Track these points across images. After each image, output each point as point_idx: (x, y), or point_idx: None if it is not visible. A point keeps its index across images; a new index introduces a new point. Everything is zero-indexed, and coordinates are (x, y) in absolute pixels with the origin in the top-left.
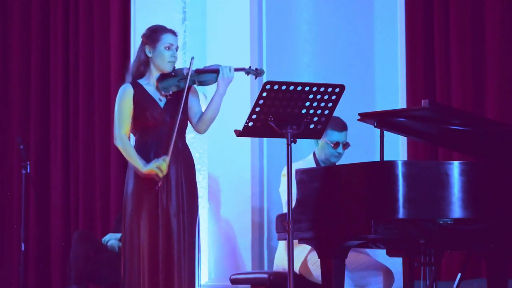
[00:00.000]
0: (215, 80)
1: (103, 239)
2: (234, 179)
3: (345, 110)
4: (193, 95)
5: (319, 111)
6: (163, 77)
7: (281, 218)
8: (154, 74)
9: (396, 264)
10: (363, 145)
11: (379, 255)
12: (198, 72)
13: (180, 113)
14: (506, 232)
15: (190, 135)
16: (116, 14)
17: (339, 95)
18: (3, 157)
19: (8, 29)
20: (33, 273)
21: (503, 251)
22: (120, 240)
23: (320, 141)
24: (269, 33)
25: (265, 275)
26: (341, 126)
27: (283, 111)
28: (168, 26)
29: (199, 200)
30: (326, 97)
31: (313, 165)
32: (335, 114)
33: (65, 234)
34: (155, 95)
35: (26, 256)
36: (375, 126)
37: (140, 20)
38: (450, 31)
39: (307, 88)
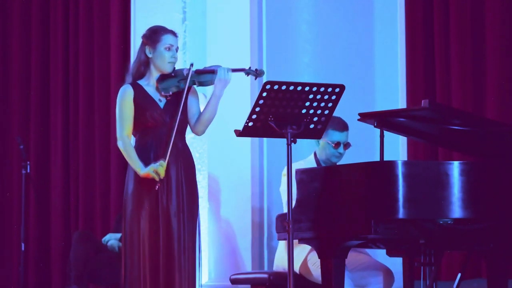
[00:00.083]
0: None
1: (103, 239)
2: (234, 179)
3: (345, 110)
4: (193, 96)
5: (319, 111)
6: (163, 77)
7: (281, 218)
8: (154, 74)
9: (396, 264)
10: (363, 145)
11: (379, 255)
12: (198, 72)
13: (179, 113)
14: (506, 232)
15: (190, 135)
16: (116, 14)
17: (339, 95)
18: (3, 157)
19: (8, 29)
20: (33, 273)
21: (503, 251)
22: (120, 240)
23: (321, 141)
24: (269, 33)
25: (265, 275)
26: (342, 126)
27: (283, 111)
28: (168, 26)
29: (199, 200)
30: (326, 97)
31: (314, 165)
32: (336, 114)
33: (65, 234)
34: (155, 95)
35: (26, 256)
36: (375, 126)
37: (140, 20)
38: (450, 31)
39: (307, 88)
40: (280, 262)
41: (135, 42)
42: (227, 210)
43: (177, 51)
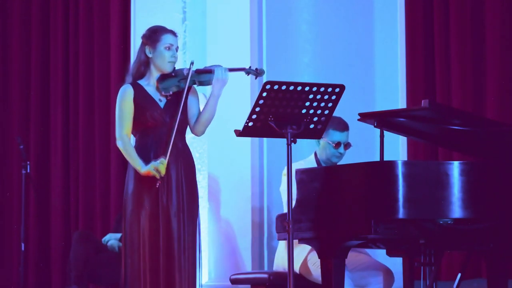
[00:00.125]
0: None
1: (103, 239)
2: (234, 179)
3: (345, 110)
4: (193, 96)
5: (319, 111)
6: (163, 77)
7: (281, 218)
8: (154, 74)
9: (396, 264)
10: (363, 145)
11: (379, 255)
12: (198, 72)
13: (179, 113)
14: (506, 232)
15: (190, 135)
16: (116, 14)
17: (339, 95)
18: (3, 157)
19: (8, 29)
20: (33, 273)
21: (503, 251)
22: (120, 240)
23: (322, 141)
24: (269, 33)
25: (265, 275)
26: (343, 126)
27: (283, 111)
28: (168, 26)
29: (199, 200)
30: (326, 97)
31: (314, 165)
32: (336, 114)
33: (65, 234)
34: (155, 95)
35: (26, 256)
36: (375, 126)
37: (140, 20)
38: (450, 31)
39: (307, 88)
40: (280, 262)
41: (135, 42)
42: (227, 210)
43: (177, 50)
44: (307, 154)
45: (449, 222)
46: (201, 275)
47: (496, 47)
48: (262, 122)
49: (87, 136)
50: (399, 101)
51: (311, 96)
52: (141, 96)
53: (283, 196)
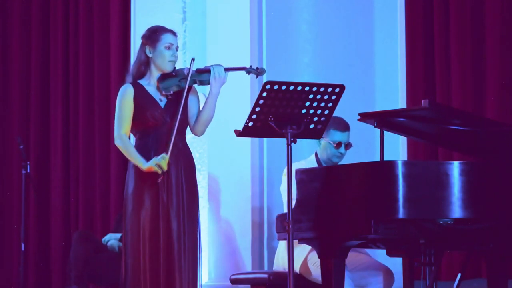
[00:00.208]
0: None
1: (103, 239)
2: (234, 179)
3: (345, 110)
4: (193, 95)
5: (319, 111)
6: (163, 77)
7: (281, 218)
8: (155, 74)
9: (396, 264)
10: (363, 145)
11: (379, 255)
12: (199, 71)
13: (180, 112)
14: (506, 232)
15: (190, 135)
16: (116, 14)
17: (339, 95)
18: (3, 157)
19: (8, 29)
20: (33, 273)
21: (503, 251)
22: (120, 240)
23: (323, 141)
24: (269, 33)
25: (265, 275)
26: (344, 126)
27: (283, 111)
28: (168, 26)
29: (199, 200)
30: (326, 97)
31: (315, 165)
32: (336, 114)
33: (65, 234)
34: (156, 95)
35: (26, 256)
36: (375, 126)
37: (140, 20)
38: (450, 31)
39: (307, 88)
40: (280, 262)
41: (135, 42)
42: (227, 210)
43: (177, 50)
44: (307, 154)
45: (449, 222)
46: (201, 275)
47: (496, 47)
48: (262, 122)
49: (87, 136)
50: (399, 101)
51: (311, 96)
52: (141, 96)
53: (283, 196)
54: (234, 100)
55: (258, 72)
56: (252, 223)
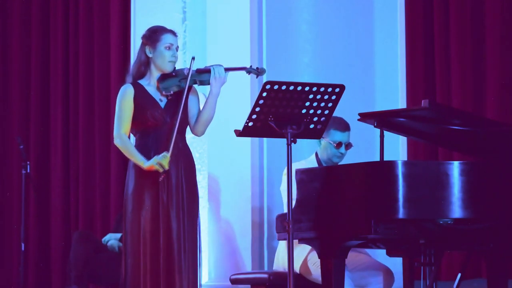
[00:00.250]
0: None
1: (103, 239)
2: (234, 179)
3: (345, 110)
4: (193, 95)
5: (319, 111)
6: (164, 77)
7: (281, 218)
8: (155, 74)
9: (396, 264)
10: (363, 145)
11: (379, 255)
12: (199, 71)
13: (180, 111)
14: (506, 232)
15: (190, 135)
16: (116, 14)
17: (339, 95)
18: (3, 157)
19: (8, 29)
20: (33, 273)
21: (503, 251)
22: (120, 240)
23: (323, 141)
24: (269, 33)
25: (265, 275)
26: (344, 126)
27: (283, 111)
28: (168, 26)
29: (199, 200)
30: (326, 97)
31: (315, 165)
32: (336, 114)
33: (65, 234)
34: (156, 95)
35: (26, 256)
36: (375, 126)
37: (140, 20)
38: (450, 31)
39: (307, 88)
40: (280, 262)
41: (135, 42)
42: (227, 210)
43: (177, 50)
44: (308, 154)
45: (449, 222)
46: (201, 275)
47: (496, 47)
48: (262, 122)
49: (87, 136)
50: (399, 101)
51: (311, 96)
52: (141, 96)
53: (283, 196)
54: (234, 100)
55: (259, 72)
56: (252, 223)
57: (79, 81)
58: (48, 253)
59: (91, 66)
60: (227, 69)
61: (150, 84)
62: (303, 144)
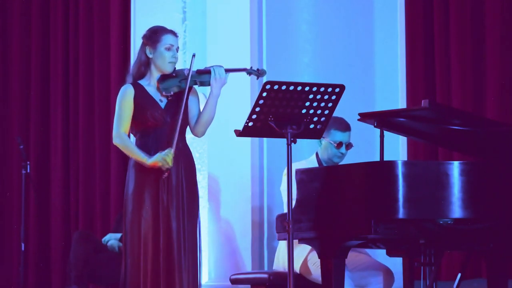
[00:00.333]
0: None
1: (103, 239)
2: (234, 179)
3: (345, 110)
4: (193, 96)
5: (319, 111)
6: (164, 77)
7: (281, 218)
8: (155, 75)
9: (396, 264)
10: (363, 145)
11: (379, 255)
12: (199, 72)
13: (182, 108)
14: (506, 232)
15: (190, 135)
16: (116, 14)
17: (339, 95)
18: (3, 157)
19: (8, 29)
20: (33, 273)
21: (503, 251)
22: (120, 240)
23: (323, 141)
24: (269, 33)
25: (265, 275)
26: (345, 126)
27: (283, 111)
28: (168, 26)
29: (199, 200)
30: (326, 97)
31: (316, 165)
32: (336, 114)
33: (65, 234)
34: (156, 95)
35: (26, 256)
36: (375, 126)
37: (140, 20)
38: (450, 31)
39: (307, 88)
40: (280, 262)
41: (135, 42)
42: (227, 210)
43: (177, 51)
44: (308, 154)
45: (449, 222)
46: (201, 275)
47: (496, 47)
48: (262, 122)
49: (87, 136)
50: (399, 101)
51: (311, 96)
52: (141, 96)
53: (283, 196)
54: (234, 100)
55: (259, 73)
56: (252, 223)
57: (79, 81)
58: (48, 253)
59: (91, 66)
60: (228, 70)
61: (150, 84)
62: (303, 144)
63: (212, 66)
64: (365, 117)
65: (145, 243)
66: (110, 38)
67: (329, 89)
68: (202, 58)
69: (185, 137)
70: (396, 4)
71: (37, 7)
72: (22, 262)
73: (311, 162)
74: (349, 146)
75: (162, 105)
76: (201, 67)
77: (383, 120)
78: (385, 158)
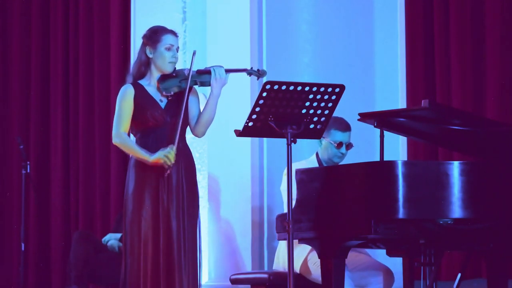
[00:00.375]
0: None
1: (103, 239)
2: (234, 179)
3: (345, 110)
4: (193, 96)
5: (319, 111)
6: (164, 77)
7: (281, 218)
8: (155, 75)
9: (396, 264)
10: (363, 145)
11: (379, 255)
12: (199, 72)
13: (182, 111)
14: (506, 232)
15: (190, 135)
16: (116, 14)
17: (339, 95)
18: (3, 157)
19: (8, 29)
20: (33, 273)
21: (503, 251)
22: (120, 240)
23: (324, 141)
24: (269, 33)
25: (265, 275)
26: (345, 126)
27: (283, 111)
28: (168, 26)
29: (199, 200)
30: (326, 97)
31: (316, 165)
32: (336, 114)
33: (65, 234)
34: (156, 95)
35: (26, 256)
36: (375, 126)
37: (140, 20)
38: (450, 31)
39: (307, 88)
40: (280, 262)
41: (135, 42)
42: (227, 210)
43: (177, 51)
44: (308, 154)
45: (449, 222)
46: (201, 275)
47: (496, 47)
48: (262, 122)
49: (87, 136)
50: (399, 101)
51: (311, 96)
52: (141, 96)
53: (283, 196)
54: (234, 100)
55: (259, 74)
56: (252, 223)
57: (79, 81)
58: (48, 253)
59: (91, 66)
60: (228, 71)
61: (150, 84)
62: (303, 144)
63: (212, 66)
64: (365, 117)
65: (145, 243)
66: (110, 38)
67: (329, 89)
68: (202, 58)
69: (185, 137)
70: (396, 4)
71: (37, 7)
72: (22, 262)
73: (311, 162)
74: (349, 146)
75: (162, 105)
76: (201, 67)
77: (383, 120)
78: (385, 158)
